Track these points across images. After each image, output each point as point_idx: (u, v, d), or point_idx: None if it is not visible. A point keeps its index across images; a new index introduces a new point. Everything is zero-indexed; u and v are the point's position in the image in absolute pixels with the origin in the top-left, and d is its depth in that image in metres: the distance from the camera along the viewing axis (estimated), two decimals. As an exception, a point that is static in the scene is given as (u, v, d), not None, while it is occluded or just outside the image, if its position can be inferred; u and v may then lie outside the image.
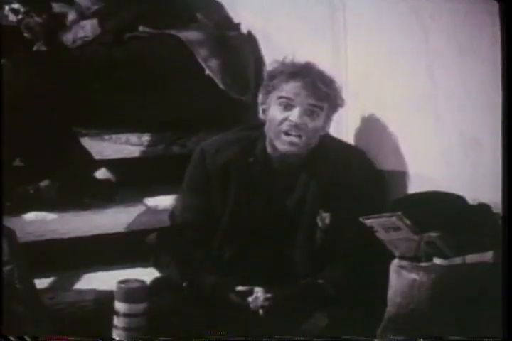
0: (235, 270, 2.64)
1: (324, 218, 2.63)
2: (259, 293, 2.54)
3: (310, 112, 2.59)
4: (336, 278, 2.58)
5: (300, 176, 2.66)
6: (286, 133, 2.58)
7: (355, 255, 2.58)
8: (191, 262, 2.66)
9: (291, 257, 2.66)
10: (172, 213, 2.81)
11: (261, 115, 2.68)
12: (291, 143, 2.59)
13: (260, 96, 2.69)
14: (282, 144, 2.60)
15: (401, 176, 2.66)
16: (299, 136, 2.58)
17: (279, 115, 2.59)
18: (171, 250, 2.73)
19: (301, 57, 2.66)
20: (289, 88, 2.59)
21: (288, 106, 2.59)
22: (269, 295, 2.53)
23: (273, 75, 2.64)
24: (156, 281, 2.68)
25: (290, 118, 2.58)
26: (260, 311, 2.53)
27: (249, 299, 2.54)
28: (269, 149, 2.66)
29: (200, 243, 2.69)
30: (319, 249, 2.64)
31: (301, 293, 2.57)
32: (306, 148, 2.62)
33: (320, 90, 2.58)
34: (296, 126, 2.57)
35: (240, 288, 2.56)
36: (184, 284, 2.62)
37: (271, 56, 3.14)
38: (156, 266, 2.76)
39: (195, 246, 2.69)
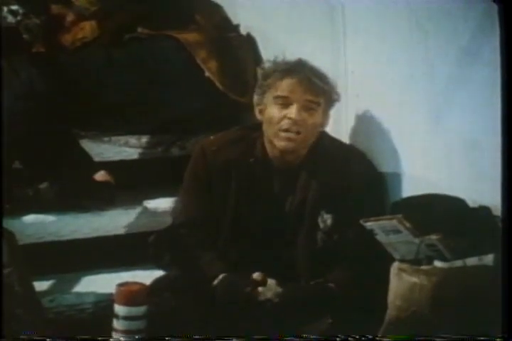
0: (236, 270, 2.63)
1: (326, 219, 2.62)
2: (272, 286, 2.54)
3: (308, 108, 2.58)
4: (341, 280, 2.58)
5: (300, 176, 2.66)
6: (286, 131, 2.58)
7: (356, 257, 2.58)
8: (193, 261, 2.66)
9: (292, 258, 2.65)
10: (174, 211, 2.80)
11: (258, 116, 2.68)
12: (289, 139, 2.58)
13: (256, 97, 2.68)
14: (280, 141, 2.60)
15: (400, 178, 2.66)
16: (298, 133, 2.58)
17: (278, 114, 2.59)
18: (173, 249, 2.72)
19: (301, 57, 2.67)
20: (285, 86, 2.59)
21: (285, 104, 2.59)
22: (279, 291, 2.53)
23: (267, 74, 2.65)
24: (156, 282, 2.67)
25: (288, 115, 2.58)
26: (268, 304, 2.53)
27: (260, 289, 2.54)
28: (268, 149, 2.66)
29: (201, 242, 2.69)
30: (320, 250, 2.64)
31: (309, 294, 2.57)
32: (304, 145, 2.62)
33: (315, 85, 2.59)
34: (295, 123, 2.57)
35: (255, 275, 2.56)
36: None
37: (270, 57, 3.13)
38: (158, 265, 2.76)
39: (197, 245, 2.69)
